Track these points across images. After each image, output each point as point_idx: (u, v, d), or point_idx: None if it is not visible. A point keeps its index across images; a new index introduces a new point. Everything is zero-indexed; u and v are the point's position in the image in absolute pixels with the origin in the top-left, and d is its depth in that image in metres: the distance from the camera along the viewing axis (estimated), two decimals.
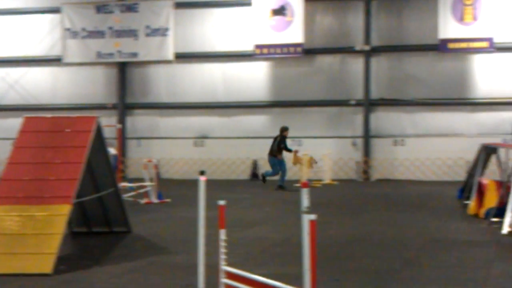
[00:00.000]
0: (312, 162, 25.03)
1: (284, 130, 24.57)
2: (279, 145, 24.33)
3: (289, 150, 24.59)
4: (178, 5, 30.33)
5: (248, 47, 29.44)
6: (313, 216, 6.33)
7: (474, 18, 27.14)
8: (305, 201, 6.33)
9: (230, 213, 17.64)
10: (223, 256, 8.02)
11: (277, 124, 29.36)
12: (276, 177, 24.46)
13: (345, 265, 11.13)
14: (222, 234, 8.07)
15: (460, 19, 27.21)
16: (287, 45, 28.79)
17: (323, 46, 29.46)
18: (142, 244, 13.24)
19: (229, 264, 8.14)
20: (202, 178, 8.09)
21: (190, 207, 16.71)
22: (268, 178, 24.83)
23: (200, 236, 8.11)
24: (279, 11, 28.79)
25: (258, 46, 29.15)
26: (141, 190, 20.82)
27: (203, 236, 8.11)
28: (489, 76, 28.00)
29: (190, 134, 30.80)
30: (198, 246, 8.11)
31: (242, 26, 29.96)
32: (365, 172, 28.84)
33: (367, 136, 28.93)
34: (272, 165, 24.53)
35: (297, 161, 24.84)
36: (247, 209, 18.92)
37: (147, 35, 30.34)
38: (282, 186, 24.01)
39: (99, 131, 12.51)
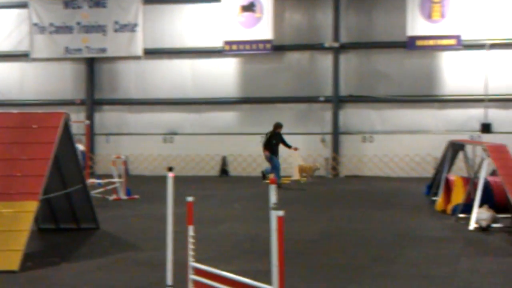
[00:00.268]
0: (314, 169, 25.52)
1: (277, 126, 24.15)
2: (268, 141, 23.77)
3: (288, 146, 24.29)
4: (147, 1, 30.20)
5: (218, 43, 29.39)
6: (281, 213, 6.33)
7: (442, 16, 27.32)
8: (273, 197, 6.33)
9: (199, 210, 17.60)
10: (191, 253, 7.99)
11: (247, 120, 29.53)
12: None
13: (314, 261, 11.15)
14: (190, 230, 8.04)
15: (428, 16, 27.39)
16: (256, 42, 28.78)
17: (292, 43, 29.51)
18: (110, 240, 13.16)
19: (198, 261, 8.11)
20: (170, 175, 8.06)
21: (159, 204, 16.65)
22: (280, 181, 23.74)
23: (168, 232, 8.08)
24: (248, 7, 28.77)
25: (227, 43, 29.11)
26: (110, 187, 20.71)
27: (171, 233, 8.08)
28: (456, 73, 28.22)
29: (159, 130, 30.70)
30: (166, 243, 8.09)
31: (211, 22, 29.90)
32: (334, 168, 28.94)
33: (336, 133, 29.04)
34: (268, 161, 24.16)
35: (303, 171, 25.13)
36: (216, 205, 18.90)
37: (116, 30, 30.16)
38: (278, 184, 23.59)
39: (66, 127, 12.42)
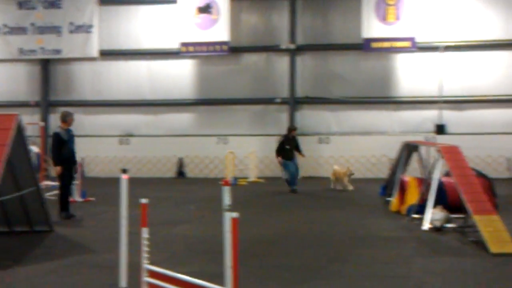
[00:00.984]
0: (349, 173, 23.39)
1: (290, 129, 23.35)
2: (281, 146, 22.76)
3: (300, 152, 23.00)
4: (103, 2, 29.98)
5: (174, 44, 29.29)
6: (235, 214, 6.35)
7: (397, 18, 27.57)
8: (226, 199, 6.35)
9: (155, 212, 17.53)
10: (145, 255, 7.97)
11: (203, 122, 29.47)
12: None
13: (269, 262, 11.18)
14: (145, 232, 8.01)
15: (383, 18, 27.62)
16: (213, 43, 28.74)
17: (249, 45, 29.53)
18: (64, 243, 13.05)
19: (153, 263, 8.09)
20: (125, 177, 8.03)
21: (114, 206, 16.44)
22: (295, 187, 22.46)
23: (122, 234, 8.04)
24: (205, 9, 28.72)
25: (183, 44, 29.02)
26: None
27: (124, 235, 8.05)
28: (411, 75, 28.51)
29: (115, 132, 30.49)
30: (120, 245, 8.04)
31: (167, 24, 29.79)
32: None
33: None
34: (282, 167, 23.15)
35: (337, 175, 23.42)
36: (172, 207, 18.83)
37: (71, 31, 29.88)
38: (293, 190, 22.39)
39: (20, 129, 12.28)
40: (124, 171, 8.11)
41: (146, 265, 7.96)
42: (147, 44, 30.21)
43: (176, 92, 30.01)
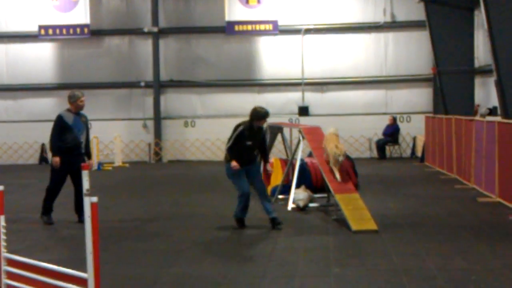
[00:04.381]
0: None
1: (259, 116, 13.29)
2: (236, 141, 13.37)
3: (265, 155, 13.30)
4: None
5: (33, 27, 28.47)
6: (94, 199, 6.25)
7: (258, 1, 27.81)
8: (86, 183, 6.23)
9: (16, 199, 17.04)
10: (3, 243, 7.71)
11: (66, 107, 28.70)
12: None
13: (133, 246, 11.09)
14: (2, 220, 7.74)
15: (246, 2, 27.79)
16: (73, 26, 28.10)
17: (111, 28, 29.06)
18: None
19: (13, 251, 7.84)
20: None
21: None
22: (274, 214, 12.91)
23: None
24: None
25: (42, 27, 28.24)
26: None
27: None
28: (274, 58, 28.87)
29: None
30: None
31: (25, 6, 28.88)
32: (157, 153, 28.85)
33: (158, 118, 28.93)
34: None
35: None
36: (35, 194, 18.34)
37: None
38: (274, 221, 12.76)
39: None
40: None
41: (5, 254, 7.71)
42: (4, 27, 29.20)
43: (36, 76, 29.21)
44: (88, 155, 13.80)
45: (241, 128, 12.46)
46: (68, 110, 13.68)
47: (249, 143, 12.45)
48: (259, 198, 12.78)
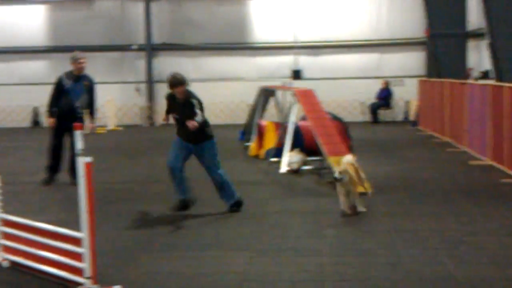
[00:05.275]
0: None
1: (175, 82, 12.30)
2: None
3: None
4: None
5: None
6: (88, 159, 6.25)
7: None
8: (79, 144, 6.24)
9: (10, 161, 17.07)
10: None
11: (57, 70, 28.21)
12: None
13: (127, 208, 11.14)
14: None
15: None
16: None
17: None
18: None
19: (8, 212, 7.87)
20: None
21: None
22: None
23: None
24: None
25: None
26: None
27: None
28: (267, 21, 28.71)
29: None
30: None
31: None
32: (150, 117, 28.80)
33: (151, 81, 28.84)
34: None
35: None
36: (29, 157, 18.39)
37: None
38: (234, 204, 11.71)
39: None
40: None
41: (1, 214, 7.74)
42: None
43: (27, 39, 28.99)
44: (91, 117, 13.78)
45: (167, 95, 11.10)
46: (70, 72, 13.61)
47: (176, 116, 11.08)
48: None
